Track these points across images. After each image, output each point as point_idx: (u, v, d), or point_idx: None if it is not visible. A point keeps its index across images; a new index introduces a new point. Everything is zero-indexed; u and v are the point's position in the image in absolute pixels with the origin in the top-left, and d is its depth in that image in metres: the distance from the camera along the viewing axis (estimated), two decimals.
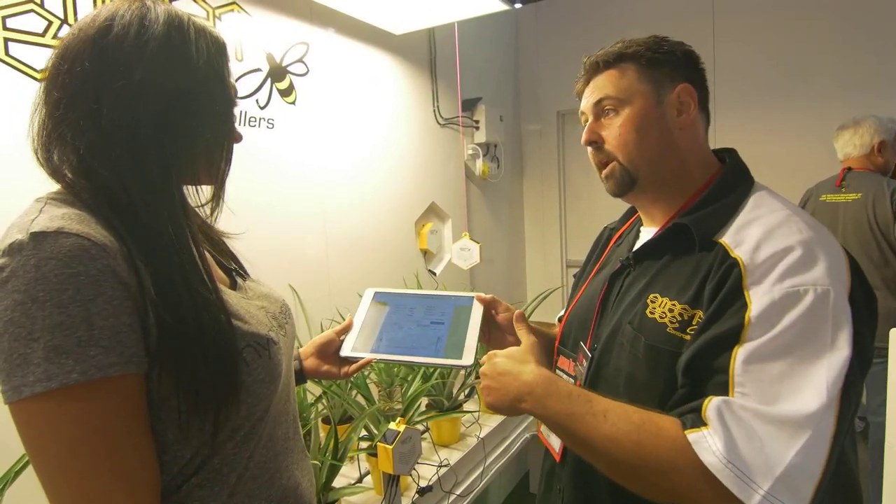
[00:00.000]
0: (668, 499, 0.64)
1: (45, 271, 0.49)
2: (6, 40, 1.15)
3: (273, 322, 0.72)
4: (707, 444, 0.60)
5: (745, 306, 0.64)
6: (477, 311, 0.96)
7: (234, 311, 0.64)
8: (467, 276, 2.67)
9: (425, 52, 2.49)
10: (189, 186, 0.76)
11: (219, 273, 0.74)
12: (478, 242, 2.37)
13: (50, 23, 1.21)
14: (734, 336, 0.64)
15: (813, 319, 0.62)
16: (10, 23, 1.15)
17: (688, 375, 0.67)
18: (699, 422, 0.62)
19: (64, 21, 1.24)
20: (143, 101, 0.58)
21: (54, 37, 1.22)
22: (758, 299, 0.64)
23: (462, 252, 2.40)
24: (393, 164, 2.29)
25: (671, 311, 0.72)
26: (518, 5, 2.91)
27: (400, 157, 2.34)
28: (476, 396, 2.06)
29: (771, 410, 0.59)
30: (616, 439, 0.65)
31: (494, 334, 0.99)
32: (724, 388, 0.63)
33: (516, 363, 0.78)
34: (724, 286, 0.67)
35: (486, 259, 2.63)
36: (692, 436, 0.61)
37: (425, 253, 2.49)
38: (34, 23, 1.19)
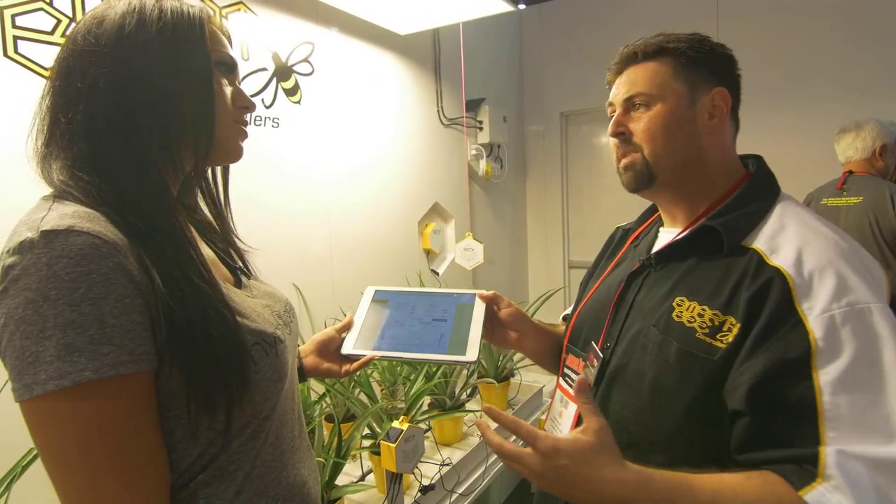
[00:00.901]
0: None
1: (56, 269, 0.49)
2: (15, 38, 1.16)
3: (279, 321, 0.72)
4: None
5: (801, 324, 0.62)
6: (479, 308, 0.95)
7: (241, 310, 0.64)
8: (470, 277, 2.67)
9: (430, 53, 2.50)
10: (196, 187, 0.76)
11: (223, 271, 0.74)
12: (481, 242, 2.37)
13: (58, 21, 1.22)
14: (804, 362, 0.61)
15: (880, 339, 0.61)
16: (20, 21, 1.16)
17: (752, 402, 0.63)
18: (809, 477, 0.57)
19: (72, 19, 1.24)
20: (97, 109, 0.58)
21: (62, 35, 1.23)
22: (815, 320, 0.62)
23: (466, 252, 2.40)
24: (397, 163, 2.30)
25: (700, 315, 0.70)
26: (522, 6, 2.92)
27: (404, 157, 2.34)
28: (478, 396, 2.07)
29: (886, 452, 0.56)
30: None
31: (497, 331, 0.98)
32: (811, 423, 0.59)
33: (588, 468, 0.60)
34: (769, 298, 0.64)
35: (489, 259, 2.63)
36: (810, 496, 0.56)
37: (428, 253, 2.50)
38: (43, 21, 1.20)
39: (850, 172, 2.25)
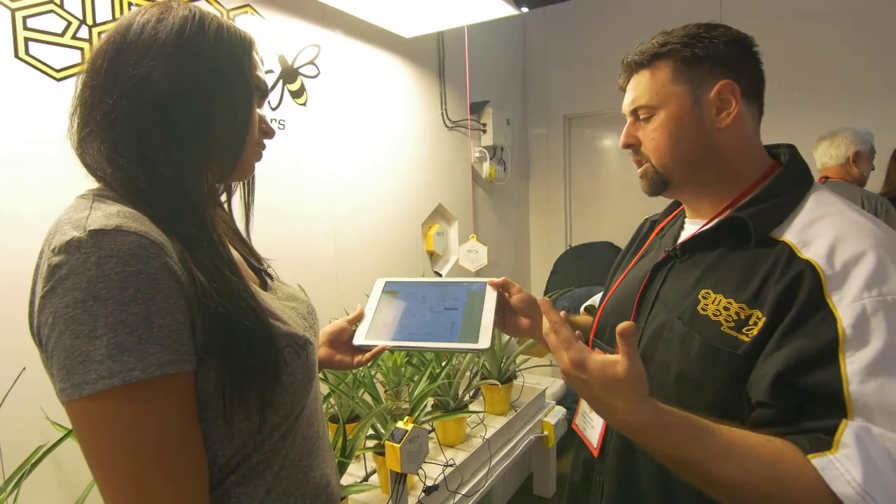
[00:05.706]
0: None
1: (105, 269, 0.49)
2: (27, 40, 1.17)
3: (305, 323, 0.73)
4: (838, 471, 0.55)
5: (830, 315, 0.60)
6: (491, 296, 0.94)
7: (271, 311, 0.65)
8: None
9: (434, 56, 2.51)
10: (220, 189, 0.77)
11: (249, 273, 0.74)
12: (485, 244, 2.38)
13: (69, 23, 1.23)
14: (832, 350, 0.59)
15: None
16: (31, 23, 1.17)
17: (777, 392, 0.61)
18: (824, 445, 0.57)
19: (83, 21, 1.26)
20: (146, 97, 0.58)
21: (73, 37, 1.24)
22: (846, 308, 0.60)
23: (470, 254, 2.41)
24: (401, 165, 2.31)
25: (727, 309, 0.69)
26: (525, 10, 2.93)
27: (408, 159, 2.35)
28: (481, 397, 2.07)
29: None
30: (746, 483, 0.58)
31: (509, 318, 0.97)
32: (839, 409, 0.58)
33: (605, 393, 0.61)
34: (800, 292, 0.63)
35: (492, 262, 2.64)
36: (817, 461, 0.56)
37: (431, 254, 2.51)
38: (54, 23, 1.21)
39: (826, 178, 2.34)
